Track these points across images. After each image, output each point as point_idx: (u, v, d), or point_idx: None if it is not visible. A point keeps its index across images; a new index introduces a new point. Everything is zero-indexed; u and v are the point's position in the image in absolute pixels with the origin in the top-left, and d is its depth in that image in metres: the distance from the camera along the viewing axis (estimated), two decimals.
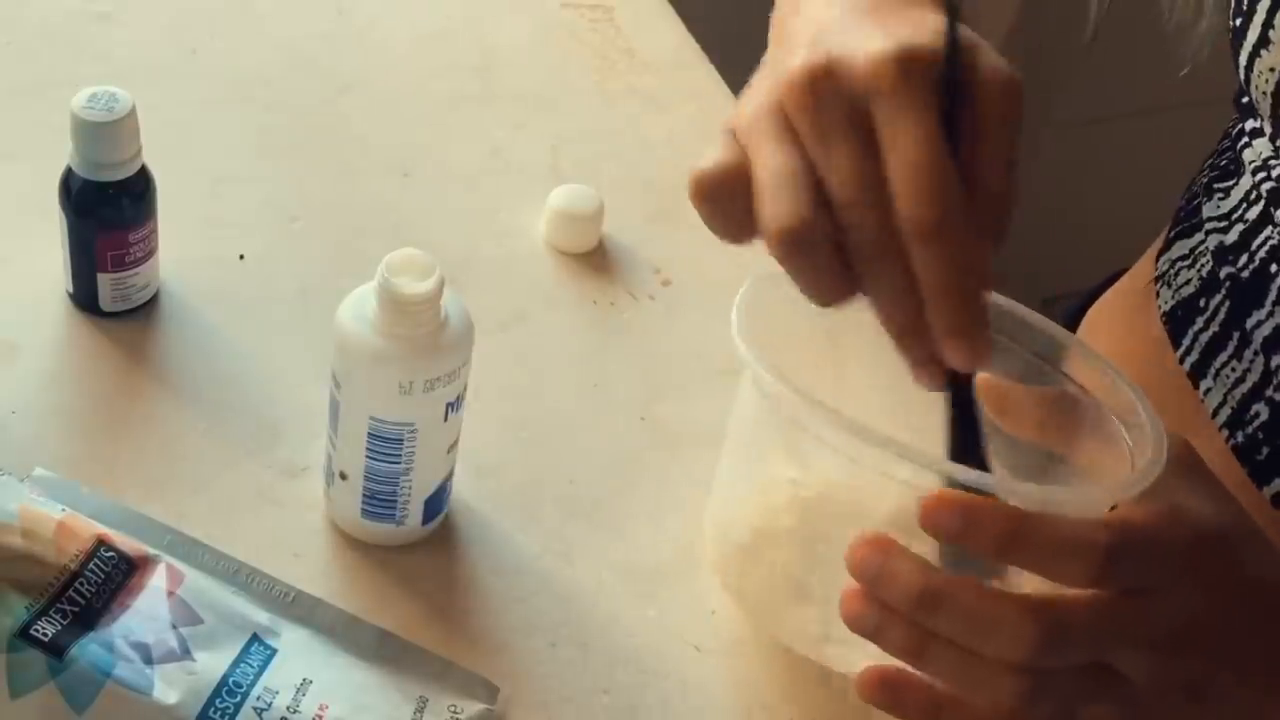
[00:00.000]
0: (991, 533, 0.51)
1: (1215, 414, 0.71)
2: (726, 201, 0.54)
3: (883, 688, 0.54)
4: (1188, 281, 0.73)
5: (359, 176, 0.88)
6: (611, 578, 0.71)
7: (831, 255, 0.52)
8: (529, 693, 0.65)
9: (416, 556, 0.69)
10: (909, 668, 0.54)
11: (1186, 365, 0.72)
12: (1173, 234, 0.77)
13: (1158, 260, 0.77)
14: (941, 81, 0.52)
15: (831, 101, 0.52)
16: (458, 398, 0.66)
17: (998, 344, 0.62)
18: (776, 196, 0.52)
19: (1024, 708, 0.52)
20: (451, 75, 0.96)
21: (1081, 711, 0.53)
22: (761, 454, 0.67)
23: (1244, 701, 0.54)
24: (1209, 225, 0.73)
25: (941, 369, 0.54)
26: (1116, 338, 0.79)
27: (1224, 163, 0.74)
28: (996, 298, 0.62)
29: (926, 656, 0.53)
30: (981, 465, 0.56)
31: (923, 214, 0.50)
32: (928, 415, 0.56)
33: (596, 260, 0.86)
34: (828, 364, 0.63)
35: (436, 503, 0.68)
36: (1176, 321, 0.73)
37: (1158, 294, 0.76)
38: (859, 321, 0.55)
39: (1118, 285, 0.85)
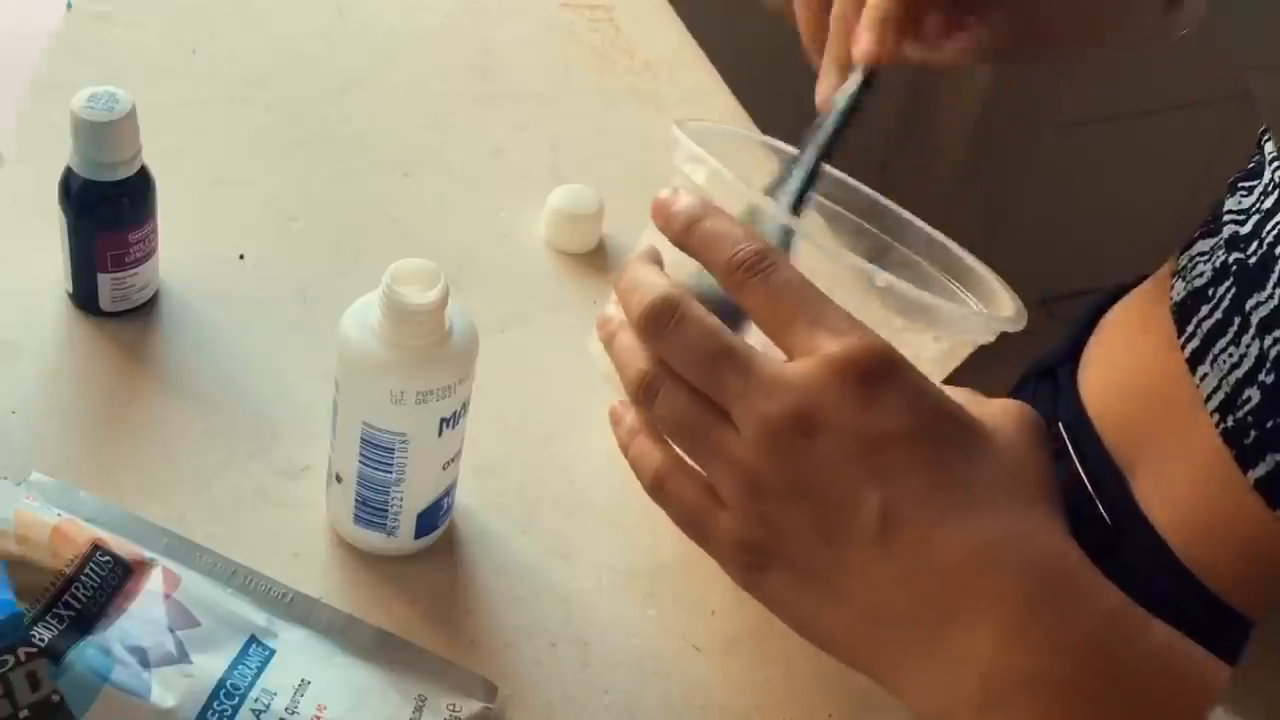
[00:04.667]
0: (679, 221, 0.60)
1: (1209, 399, 0.71)
2: None
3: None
4: (1201, 274, 0.73)
5: (359, 176, 0.88)
6: (611, 578, 0.71)
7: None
8: (529, 693, 0.65)
9: (416, 557, 0.69)
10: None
11: (1187, 352, 0.72)
12: (1197, 234, 0.77)
13: (1179, 257, 0.77)
14: None
15: None
16: (454, 414, 0.65)
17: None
18: None
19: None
20: (451, 75, 0.96)
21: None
22: None
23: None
24: (1227, 218, 0.73)
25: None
26: (1130, 332, 0.79)
27: (1251, 165, 0.74)
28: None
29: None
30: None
31: None
32: None
33: (596, 260, 0.86)
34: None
35: (430, 518, 0.68)
36: (1184, 311, 0.73)
37: (1172, 287, 0.76)
38: None
39: (1142, 285, 0.85)
